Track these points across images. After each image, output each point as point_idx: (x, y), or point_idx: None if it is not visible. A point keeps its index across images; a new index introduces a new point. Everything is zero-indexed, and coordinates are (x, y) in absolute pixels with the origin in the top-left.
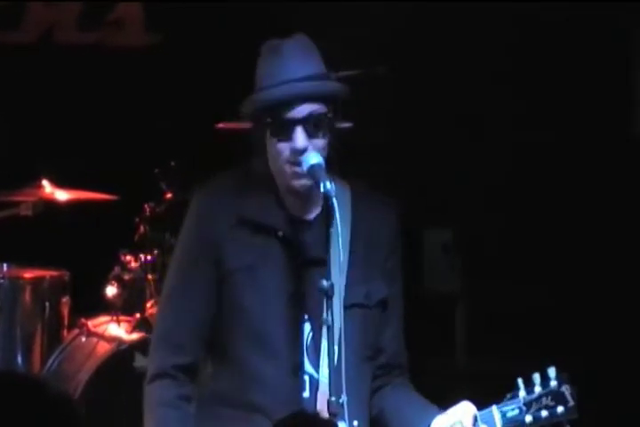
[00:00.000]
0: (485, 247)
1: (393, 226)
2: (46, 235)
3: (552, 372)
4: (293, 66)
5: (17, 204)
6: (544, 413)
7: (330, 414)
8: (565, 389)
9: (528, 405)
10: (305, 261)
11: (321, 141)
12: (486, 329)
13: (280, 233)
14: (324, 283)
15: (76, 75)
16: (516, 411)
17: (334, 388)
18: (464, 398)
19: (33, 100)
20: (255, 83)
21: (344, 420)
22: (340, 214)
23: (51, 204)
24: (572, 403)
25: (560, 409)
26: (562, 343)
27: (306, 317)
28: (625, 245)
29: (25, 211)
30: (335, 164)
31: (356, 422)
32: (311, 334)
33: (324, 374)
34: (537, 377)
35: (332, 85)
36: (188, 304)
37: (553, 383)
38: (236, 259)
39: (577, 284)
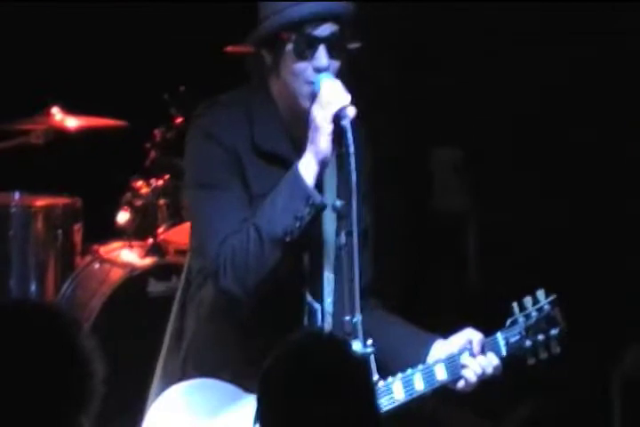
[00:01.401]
0: (496, 167)
1: (368, 154)
2: (57, 162)
3: (541, 295)
4: None
5: (27, 132)
6: (540, 336)
7: (345, 334)
8: (556, 311)
9: (527, 330)
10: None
11: (338, 63)
12: (497, 248)
13: (290, 163)
14: (337, 202)
15: (84, 6)
16: (518, 336)
17: (349, 307)
18: (478, 319)
19: (40, 28)
20: (270, 4)
21: (358, 339)
22: None
23: (61, 131)
24: (562, 325)
25: (554, 332)
26: (571, 265)
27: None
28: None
29: (36, 139)
30: (348, 86)
31: (370, 341)
32: (309, 264)
33: (327, 304)
34: (529, 301)
35: (350, 6)
36: (231, 209)
37: (546, 307)
38: (256, 184)
39: (590, 205)
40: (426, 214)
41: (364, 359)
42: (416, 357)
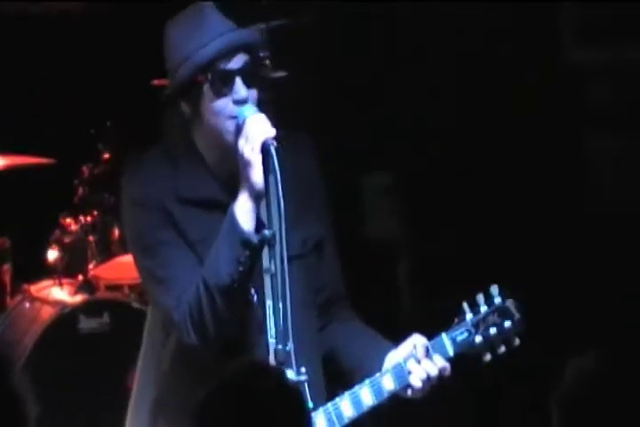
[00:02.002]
0: (427, 190)
1: (312, 162)
2: None
3: (495, 289)
4: (219, 22)
5: None
6: (492, 330)
7: (277, 363)
8: (510, 303)
9: (476, 326)
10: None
11: (256, 92)
12: (429, 273)
13: (223, 204)
14: (266, 232)
15: (6, 41)
16: (465, 334)
17: (280, 336)
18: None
19: None
20: (179, 51)
21: (291, 367)
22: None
23: None
24: (517, 316)
25: (507, 324)
26: (506, 279)
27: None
28: (562, 186)
29: None
30: (272, 111)
31: (303, 369)
32: (255, 294)
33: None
34: (481, 297)
35: (256, 33)
36: (176, 261)
37: (497, 300)
38: (191, 232)
39: (519, 224)
40: (357, 241)
41: (297, 388)
42: (374, 369)
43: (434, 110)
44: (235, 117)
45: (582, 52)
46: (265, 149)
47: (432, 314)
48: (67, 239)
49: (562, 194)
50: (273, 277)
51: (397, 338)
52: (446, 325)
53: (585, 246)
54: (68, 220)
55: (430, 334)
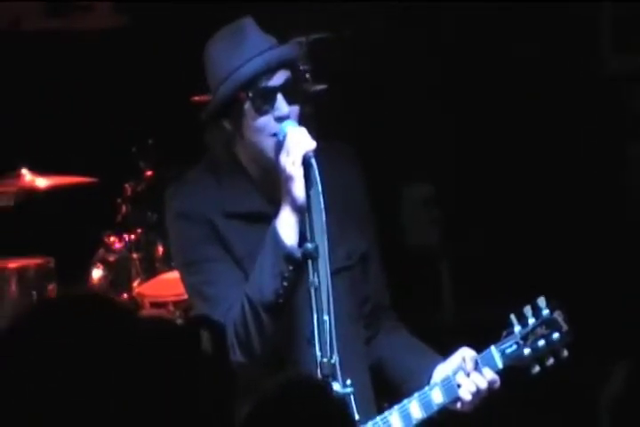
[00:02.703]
0: (466, 201)
1: (356, 173)
2: (29, 223)
3: (542, 301)
4: (259, 39)
5: None
6: (541, 342)
7: (323, 376)
8: (558, 315)
9: (525, 338)
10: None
11: (297, 108)
12: (471, 281)
13: (268, 218)
14: (309, 245)
15: (47, 61)
16: (514, 346)
17: (325, 349)
18: (458, 348)
19: (5, 89)
20: (220, 69)
21: (337, 380)
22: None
23: (31, 192)
24: (565, 328)
25: (555, 335)
26: (548, 289)
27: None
28: (603, 194)
29: (6, 201)
30: (314, 126)
31: (349, 381)
32: (301, 309)
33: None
34: (528, 310)
35: (296, 48)
36: (222, 278)
37: (545, 312)
38: (237, 246)
39: (558, 231)
40: (397, 250)
41: (343, 401)
42: (422, 382)
43: (473, 121)
44: (275, 134)
45: (620, 60)
46: (306, 163)
47: (475, 322)
48: (111, 258)
49: (603, 203)
50: (317, 290)
51: (441, 347)
52: (490, 333)
53: (628, 253)
54: (112, 238)
55: (474, 342)
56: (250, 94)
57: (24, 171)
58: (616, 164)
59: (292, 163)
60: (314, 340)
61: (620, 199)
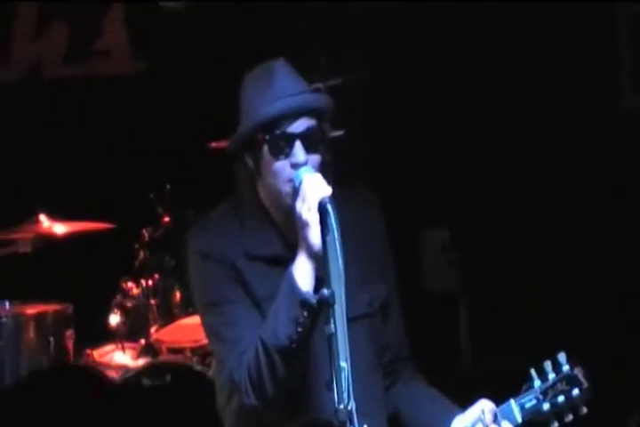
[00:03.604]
0: (483, 245)
1: (377, 219)
2: (47, 269)
3: (562, 357)
4: (288, 82)
5: (15, 241)
6: (560, 398)
7: (339, 423)
8: (578, 371)
9: (544, 393)
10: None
11: (318, 157)
12: (491, 328)
13: (291, 261)
14: (325, 291)
15: (66, 107)
16: (534, 401)
17: (341, 396)
18: (477, 399)
19: (24, 136)
20: (245, 106)
21: (354, 426)
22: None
23: (49, 238)
24: (585, 384)
25: (575, 392)
26: (568, 335)
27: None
28: (625, 238)
29: (24, 248)
30: (332, 173)
31: None
32: (320, 356)
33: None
34: (548, 364)
35: (326, 98)
36: (241, 320)
37: (565, 368)
38: (259, 289)
39: (578, 276)
40: (417, 296)
41: None
42: None
43: (491, 164)
44: (291, 180)
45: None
46: (322, 209)
47: (494, 370)
48: (128, 303)
49: (624, 250)
50: (332, 336)
51: (459, 394)
52: (508, 383)
53: None
54: (130, 284)
55: (491, 392)
56: (267, 137)
57: (42, 217)
58: (633, 202)
59: (307, 209)
60: (332, 386)
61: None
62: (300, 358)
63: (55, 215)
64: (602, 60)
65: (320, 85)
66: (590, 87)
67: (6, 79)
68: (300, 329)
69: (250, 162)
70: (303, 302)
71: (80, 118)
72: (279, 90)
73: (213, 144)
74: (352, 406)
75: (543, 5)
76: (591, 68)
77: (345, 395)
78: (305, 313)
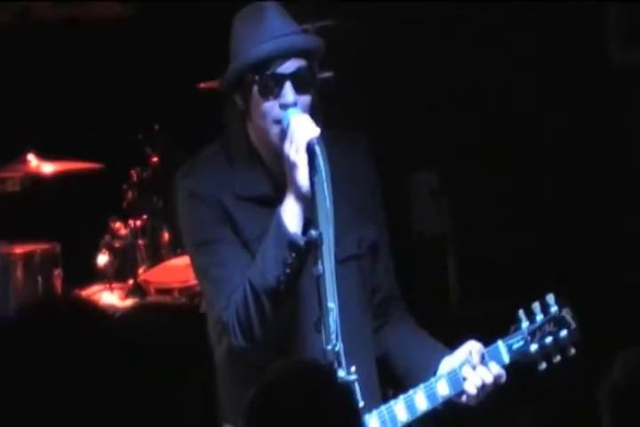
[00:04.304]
0: (473, 190)
1: (367, 161)
2: (35, 208)
3: (550, 298)
4: (279, 23)
5: (3, 180)
6: (548, 339)
7: (326, 363)
8: (566, 312)
9: (532, 334)
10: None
11: (307, 98)
12: (479, 273)
13: (279, 202)
14: (313, 232)
15: (55, 49)
16: (521, 342)
17: (328, 336)
18: (464, 340)
19: (13, 77)
20: (235, 46)
21: (341, 367)
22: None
23: (37, 177)
24: (573, 325)
25: (563, 333)
26: (554, 283)
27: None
28: (615, 185)
29: (12, 187)
30: (321, 115)
31: (353, 368)
32: (308, 297)
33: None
34: (537, 306)
35: (316, 39)
36: (229, 260)
37: (553, 309)
38: (248, 229)
39: (567, 224)
40: (405, 239)
41: (347, 386)
42: (428, 374)
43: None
44: (279, 121)
45: (628, 54)
46: (310, 150)
47: (482, 314)
48: (117, 244)
49: (613, 198)
50: (320, 277)
51: (447, 338)
52: (497, 326)
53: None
54: (118, 224)
55: (480, 335)
56: (257, 78)
57: (30, 156)
58: (623, 158)
59: (295, 150)
60: (320, 327)
61: (627, 195)
62: (288, 299)
63: (43, 155)
64: (590, 17)
65: (308, 27)
66: (579, 44)
67: None
68: (288, 270)
69: (239, 102)
70: (291, 244)
71: (70, 60)
72: (270, 30)
73: (202, 85)
74: (340, 347)
75: None
76: (580, 25)
77: (333, 336)
78: (293, 254)
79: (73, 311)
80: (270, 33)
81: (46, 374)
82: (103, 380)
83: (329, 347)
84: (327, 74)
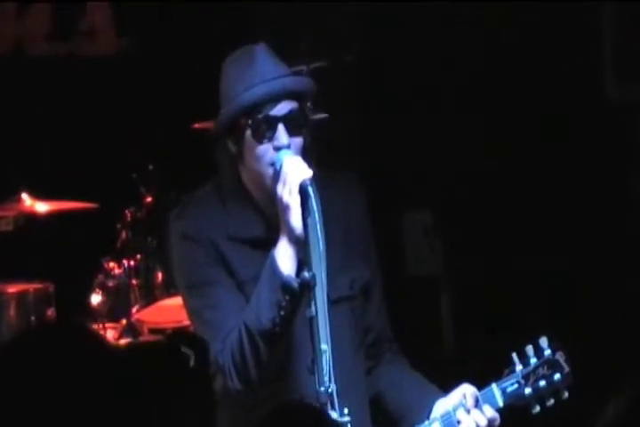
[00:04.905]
0: (466, 227)
1: (359, 201)
2: (28, 248)
3: (544, 341)
4: (269, 66)
5: None
6: (542, 382)
7: (320, 405)
8: (559, 356)
9: (526, 377)
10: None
11: (300, 140)
12: (472, 312)
13: (273, 243)
14: (306, 274)
15: (49, 86)
16: (515, 385)
17: (322, 378)
18: (458, 383)
19: (7, 114)
20: (226, 90)
21: (334, 408)
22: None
23: (31, 216)
24: (567, 369)
25: (557, 376)
26: (549, 319)
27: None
28: (610, 224)
29: (5, 226)
30: (313, 156)
31: (346, 410)
32: (301, 339)
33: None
34: (530, 349)
35: (307, 81)
36: (223, 302)
37: (547, 352)
38: (242, 271)
39: (561, 264)
40: (398, 279)
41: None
42: (421, 416)
43: (475, 148)
44: (273, 164)
45: (623, 90)
46: (303, 191)
47: (475, 353)
48: (110, 283)
49: (606, 234)
50: (313, 319)
51: (440, 377)
52: (490, 367)
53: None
54: (112, 264)
55: (473, 376)
56: (250, 122)
57: (24, 195)
58: (618, 193)
59: (288, 192)
60: (314, 369)
61: (622, 233)
62: (284, 341)
63: (38, 194)
64: (586, 52)
65: (303, 68)
66: (576, 79)
67: None
68: (282, 313)
69: (232, 146)
70: (285, 286)
71: (64, 97)
72: (260, 73)
73: (197, 125)
74: (333, 388)
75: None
76: (576, 60)
77: (326, 378)
78: (287, 297)
79: (71, 335)
80: (261, 76)
81: (39, 396)
82: (96, 407)
83: (322, 389)
84: (321, 115)
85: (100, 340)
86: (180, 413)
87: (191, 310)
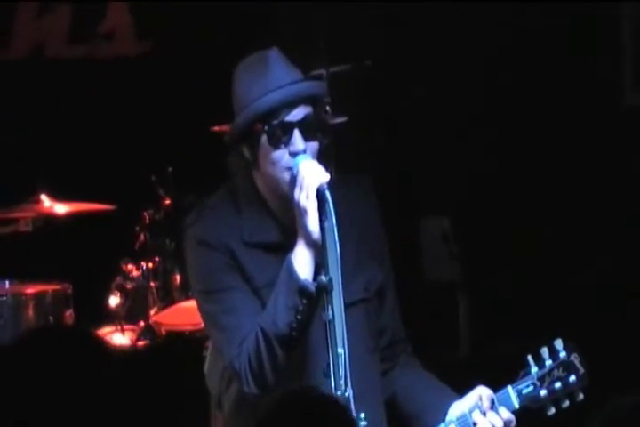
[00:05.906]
0: (484, 234)
1: (372, 205)
2: (47, 249)
3: (559, 343)
4: (283, 71)
5: (16, 220)
6: (557, 384)
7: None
8: (574, 357)
9: (541, 379)
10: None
11: (316, 144)
12: (489, 317)
13: (288, 248)
14: (323, 278)
15: (69, 88)
16: (531, 387)
17: (338, 382)
18: (474, 385)
19: (27, 116)
20: (240, 97)
21: (351, 412)
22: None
23: (50, 218)
24: (582, 371)
25: (572, 378)
26: (564, 327)
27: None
28: (624, 232)
29: (24, 227)
30: (330, 160)
31: (362, 415)
32: (317, 343)
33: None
34: (545, 351)
35: (321, 85)
36: (239, 307)
37: (562, 354)
38: (257, 276)
39: (578, 269)
40: (416, 284)
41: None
42: (437, 419)
43: (493, 154)
44: (290, 168)
45: None
46: (320, 196)
47: (492, 357)
48: (128, 285)
49: (624, 241)
50: (331, 323)
51: (456, 382)
52: (505, 370)
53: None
54: (130, 266)
55: (488, 379)
56: (266, 128)
57: (43, 197)
58: (632, 198)
59: (305, 197)
60: (329, 372)
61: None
62: (300, 345)
63: (56, 195)
64: (604, 58)
65: (322, 72)
66: (593, 85)
67: (9, 59)
68: (299, 317)
69: (246, 152)
70: (302, 290)
71: (83, 99)
72: (274, 79)
73: (215, 128)
74: (349, 392)
75: (547, 3)
76: (594, 65)
77: (342, 381)
78: (304, 301)
79: (70, 338)
80: (275, 82)
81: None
82: (95, 410)
83: (338, 393)
84: (340, 119)
85: (100, 342)
86: (178, 414)
87: (206, 316)
